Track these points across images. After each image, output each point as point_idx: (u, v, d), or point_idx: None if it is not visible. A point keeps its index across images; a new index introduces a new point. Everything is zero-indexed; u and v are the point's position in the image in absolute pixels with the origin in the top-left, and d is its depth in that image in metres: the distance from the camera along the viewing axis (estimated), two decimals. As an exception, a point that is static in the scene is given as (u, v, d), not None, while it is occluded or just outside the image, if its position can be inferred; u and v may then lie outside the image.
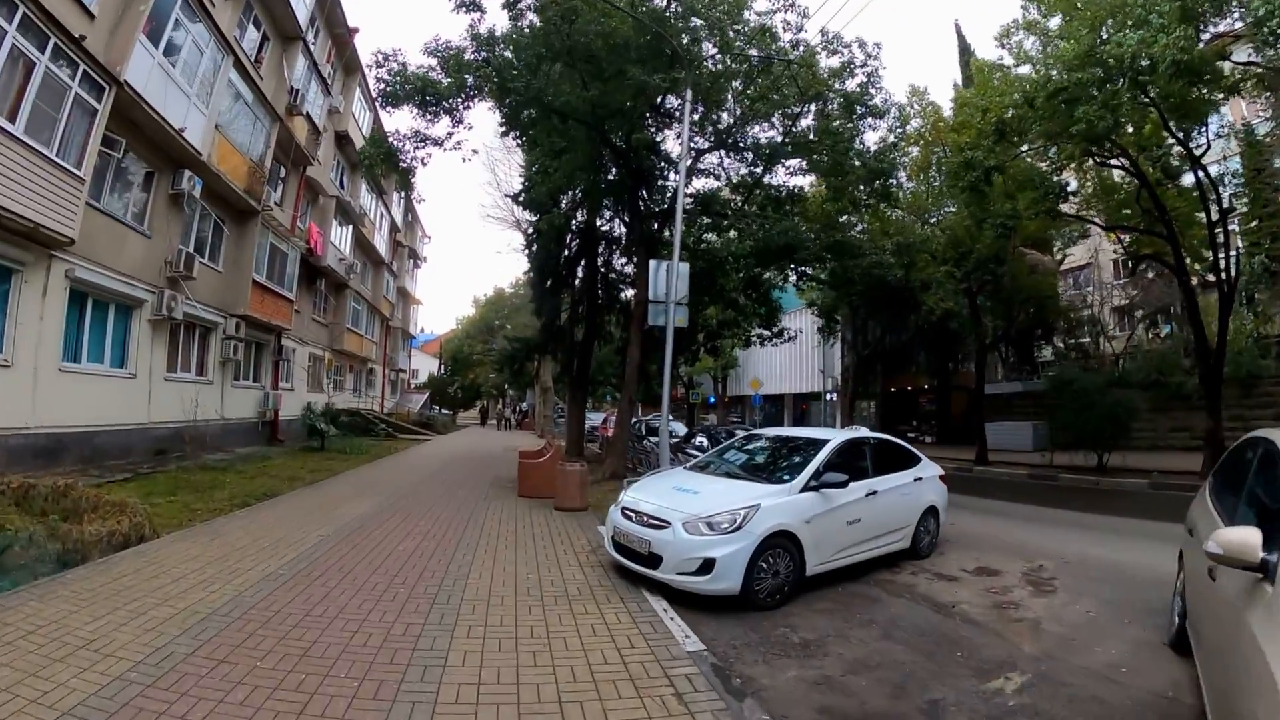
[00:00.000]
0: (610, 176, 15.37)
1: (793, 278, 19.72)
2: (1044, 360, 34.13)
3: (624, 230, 19.77)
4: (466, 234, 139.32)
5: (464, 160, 16.22)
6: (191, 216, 15.64)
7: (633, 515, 5.98)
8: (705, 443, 15.06)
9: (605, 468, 13.53)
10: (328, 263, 23.29)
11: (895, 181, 15.47)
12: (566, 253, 18.74)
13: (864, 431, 7.90)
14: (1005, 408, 29.09)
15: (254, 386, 19.18)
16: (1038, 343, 32.81)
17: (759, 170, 15.41)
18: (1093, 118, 13.40)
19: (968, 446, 28.12)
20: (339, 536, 7.15)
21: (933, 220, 22.37)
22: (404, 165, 12.45)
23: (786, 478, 6.30)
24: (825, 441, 6.82)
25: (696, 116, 15.44)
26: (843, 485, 6.22)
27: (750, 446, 7.64)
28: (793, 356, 40.63)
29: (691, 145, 15.92)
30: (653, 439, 19.02)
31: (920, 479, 7.71)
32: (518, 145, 17.53)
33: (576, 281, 20.72)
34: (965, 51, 35.26)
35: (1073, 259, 31.70)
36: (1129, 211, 18.74)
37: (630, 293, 21.47)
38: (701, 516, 5.53)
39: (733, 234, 14.50)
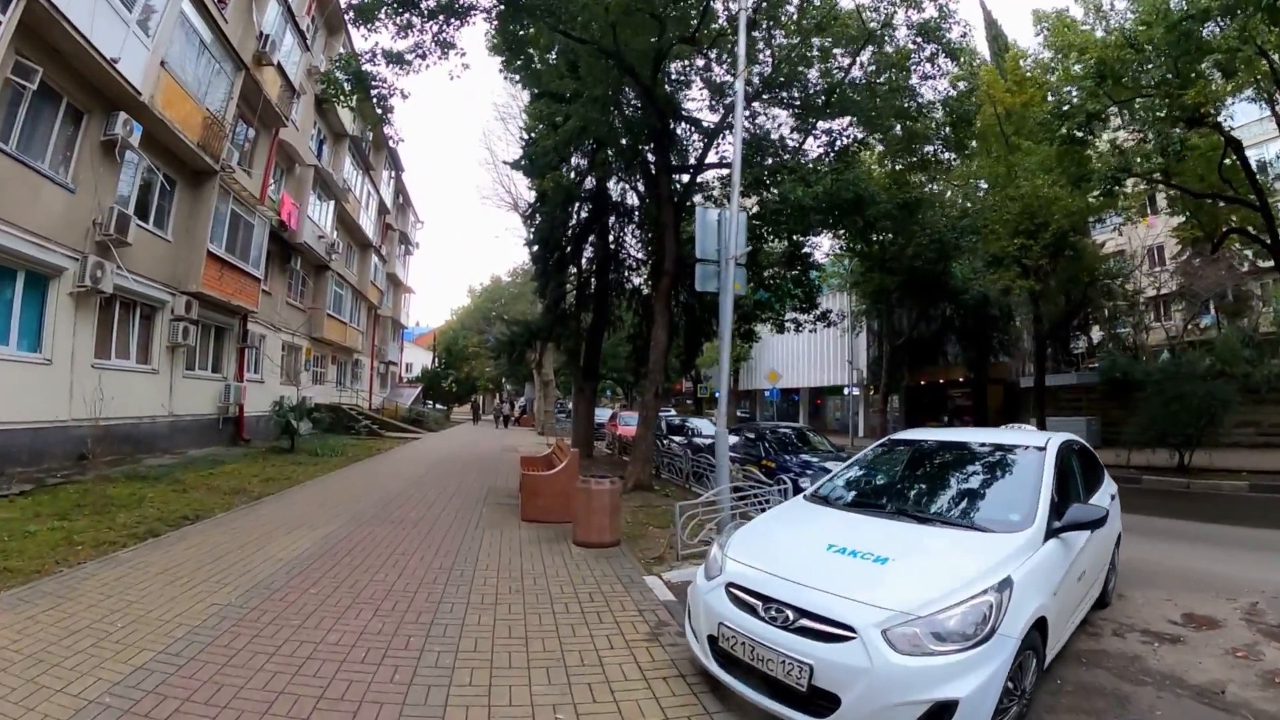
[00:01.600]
0: (626, 133, 12.89)
1: (814, 253, 17.20)
2: (1078, 351, 31.84)
3: (637, 202, 17.30)
4: (462, 226, 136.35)
5: (451, 78, 14.18)
6: (130, 170, 13.07)
7: (758, 605, 3.28)
8: (753, 442, 12.44)
9: (627, 477, 11.01)
10: (304, 239, 20.66)
11: (973, 130, 12.98)
12: (574, 222, 16.17)
13: (1030, 430, 5.45)
14: (1050, 402, 26.97)
15: (213, 378, 16.58)
16: (1074, 333, 30.54)
17: (809, 121, 12.82)
18: (1231, 44, 10.93)
19: (1008, 446, 25.86)
20: (244, 608, 4.53)
21: (978, 194, 19.99)
22: (377, 92, 9.80)
23: (1012, 516, 3.75)
24: (1039, 450, 4.33)
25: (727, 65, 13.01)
26: (1101, 522, 3.82)
27: (904, 461, 4.98)
28: (811, 348, 38.16)
29: (727, 91, 13.45)
30: (676, 439, 16.51)
31: (1114, 497, 5.53)
32: (518, 85, 14.97)
33: (583, 260, 18.24)
34: (991, 25, 32.97)
35: (1109, 244, 29.48)
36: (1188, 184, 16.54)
37: (638, 279, 19.06)
38: (920, 614, 2.93)
39: (773, 194, 11.92)
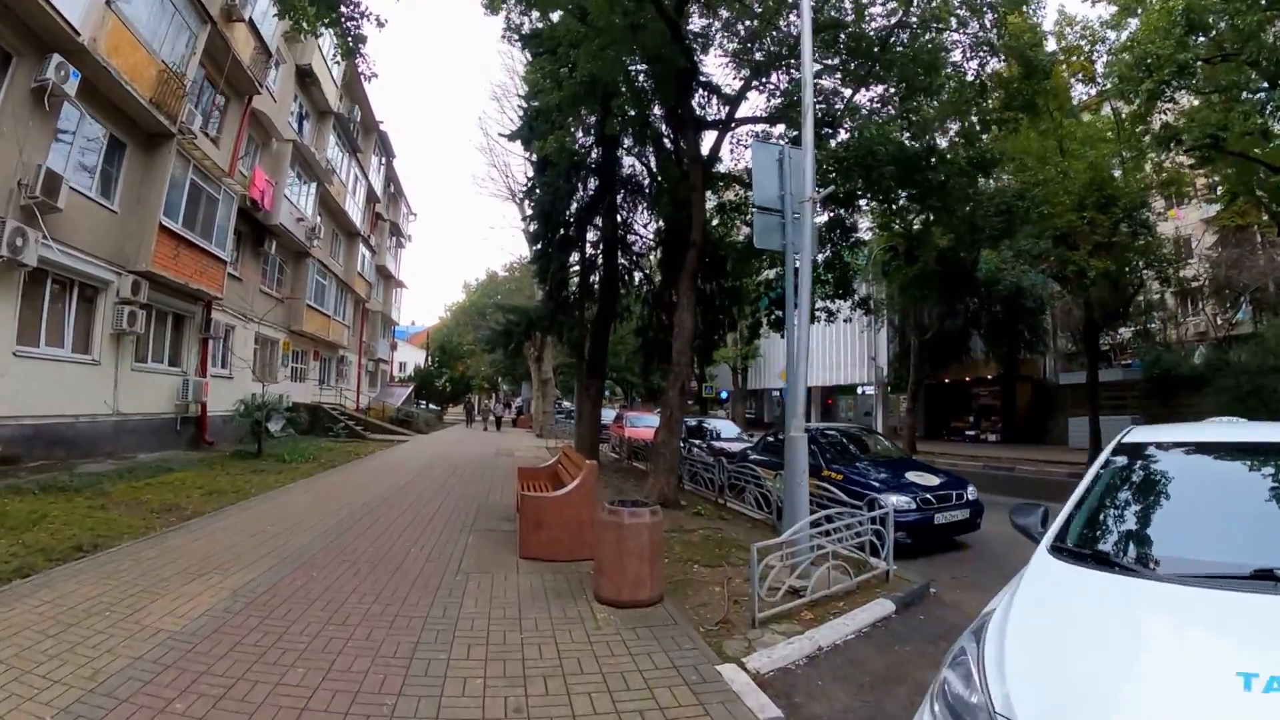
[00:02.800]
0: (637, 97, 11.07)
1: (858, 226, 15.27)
2: (1105, 347, 30.02)
3: (648, 180, 15.43)
4: (458, 226, 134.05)
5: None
6: (67, 125, 11.21)
7: None
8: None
9: (648, 490, 9.10)
10: (280, 221, 18.67)
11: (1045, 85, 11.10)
12: (579, 194, 14.24)
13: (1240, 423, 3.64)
14: (1086, 400, 25.22)
15: (170, 372, 14.59)
16: (1111, 325, 28.72)
17: (858, 74, 10.90)
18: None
19: (1039, 446, 24.09)
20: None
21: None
22: (347, 13, 7.86)
23: None
24: None
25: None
26: None
27: (1183, 480, 2.92)
28: (823, 345, 36.26)
29: (755, 46, 11.59)
30: (695, 443, 14.59)
31: None
32: (517, 45, 13.10)
33: (588, 246, 16.31)
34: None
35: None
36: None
37: (648, 266, 17.14)
38: None
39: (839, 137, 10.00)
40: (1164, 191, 20.98)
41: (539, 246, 14.68)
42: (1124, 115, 16.55)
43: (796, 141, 10.61)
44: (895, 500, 7.37)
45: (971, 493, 8.20)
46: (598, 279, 16.36)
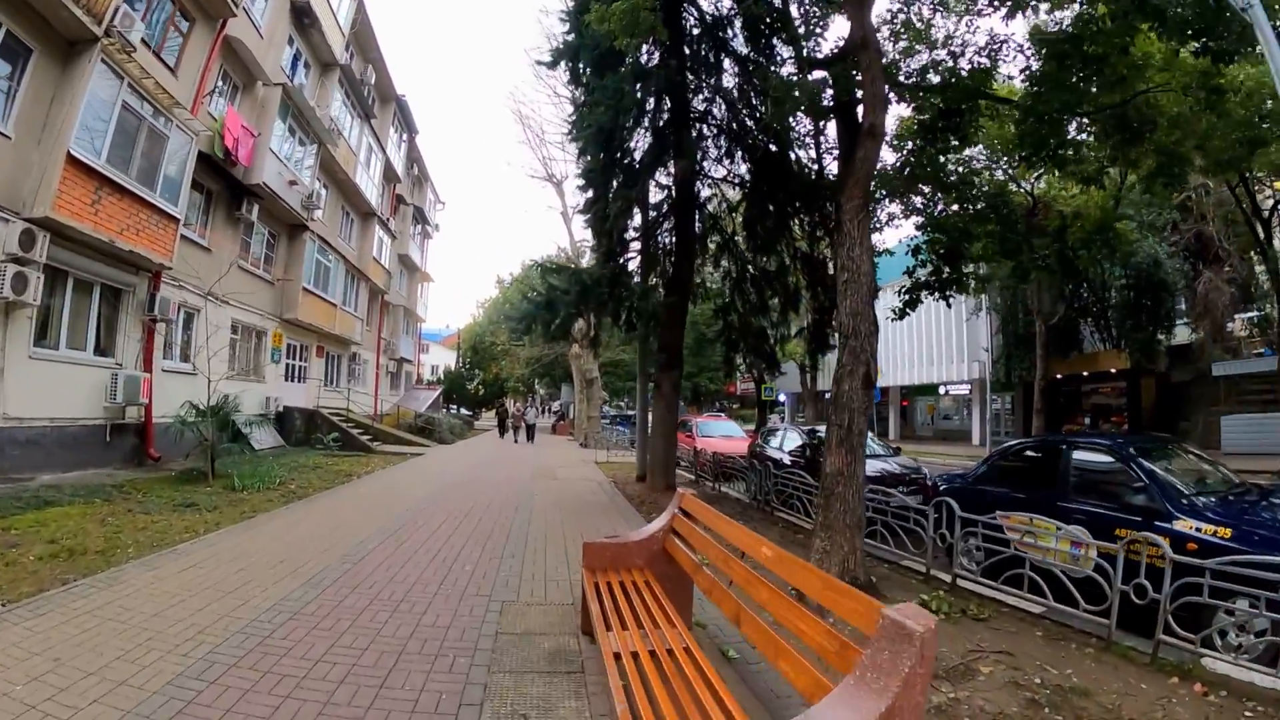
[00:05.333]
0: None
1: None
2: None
3: (727, 109, 11.41)
4: (492, 225, 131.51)
5: None
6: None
7: None
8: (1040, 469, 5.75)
9: (819, 561, 4.98)
10: (264, 180, 14.95)
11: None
12: (650, 108, 10.20)
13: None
14: (1233, 394, 21.19)
15: (95, 363, 10.85)
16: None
17: None
18: None
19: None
20: None
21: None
22: None
23: None
24: None
25: None
26: None
27: None
28: (905, 338, 31.80)
29: None
30: (892, 495, 10.34)
31: None
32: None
33: (650, 210, 12.31)
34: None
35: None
36: None
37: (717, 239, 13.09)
38: None
39: None
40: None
41: (594, 185, 10.60)
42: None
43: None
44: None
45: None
46: (668, 242, 12.40)
